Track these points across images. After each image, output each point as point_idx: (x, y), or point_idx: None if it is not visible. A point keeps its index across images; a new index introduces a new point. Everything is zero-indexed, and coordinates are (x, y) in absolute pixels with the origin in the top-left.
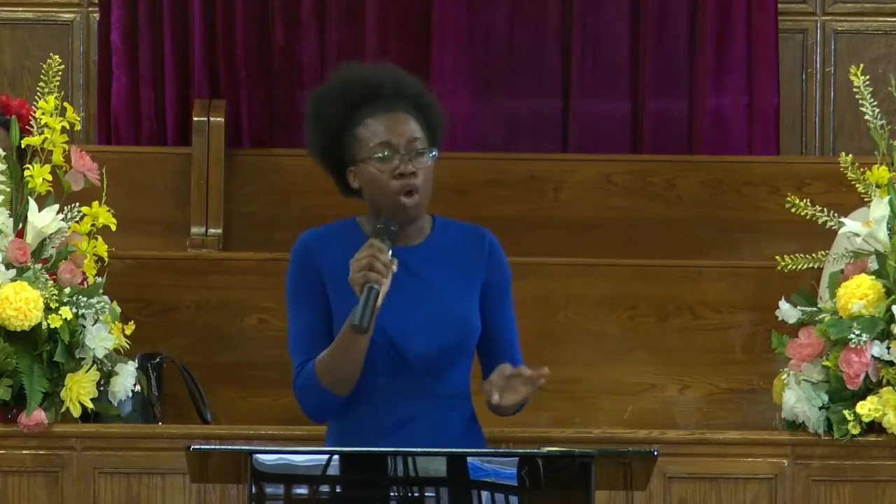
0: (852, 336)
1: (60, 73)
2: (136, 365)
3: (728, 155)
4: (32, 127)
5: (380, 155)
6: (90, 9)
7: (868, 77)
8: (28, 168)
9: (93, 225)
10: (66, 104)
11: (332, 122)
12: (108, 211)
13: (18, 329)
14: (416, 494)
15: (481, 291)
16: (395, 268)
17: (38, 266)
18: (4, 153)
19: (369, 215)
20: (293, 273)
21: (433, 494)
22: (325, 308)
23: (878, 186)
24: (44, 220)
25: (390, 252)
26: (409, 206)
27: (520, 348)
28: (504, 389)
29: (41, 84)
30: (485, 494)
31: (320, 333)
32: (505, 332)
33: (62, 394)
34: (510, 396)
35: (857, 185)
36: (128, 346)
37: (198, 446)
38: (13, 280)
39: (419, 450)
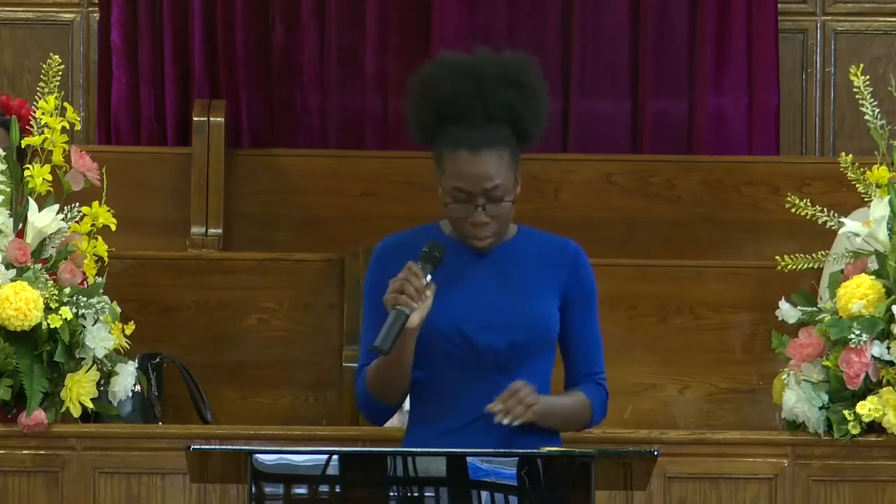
0: (852, 336)
1: (60, 73)
2: (136, 365)
3: (728, 155)
4: (32, 127)
5: (456, 197)
6: (90, 9)
7: (868, 77)
8: (28, 168)
9: (93, 225)
10: (66, 104)
11: (423, 123)
12: (108, 211)
13: (18, 329)
14: (416, 494)
15: (563, 299)
16: (429, 293)
17: (38, 266)
18: (4, 153)
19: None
20: (367, 279)
21: (433, 494)
22: None
23: (878, 186)
24: (44, 220)
25: (429, 276)
26: (479, 248)
27: (602, 358)
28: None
29: (41, 84)
30: (485, 494)
31: None
32: (585, 341)
33: (62, 394)
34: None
35: (857, 185)
36: (128, 346)
37: (198, 446)
38: (13, 280)
39: (419, 450)
